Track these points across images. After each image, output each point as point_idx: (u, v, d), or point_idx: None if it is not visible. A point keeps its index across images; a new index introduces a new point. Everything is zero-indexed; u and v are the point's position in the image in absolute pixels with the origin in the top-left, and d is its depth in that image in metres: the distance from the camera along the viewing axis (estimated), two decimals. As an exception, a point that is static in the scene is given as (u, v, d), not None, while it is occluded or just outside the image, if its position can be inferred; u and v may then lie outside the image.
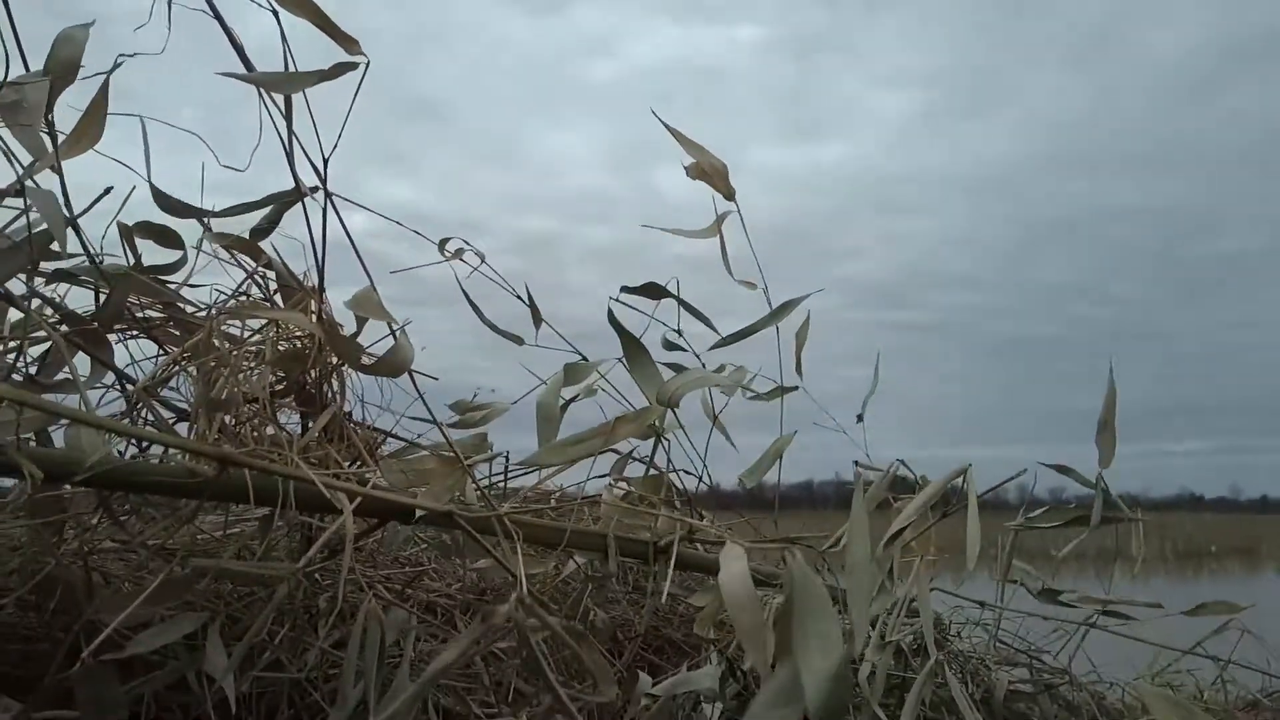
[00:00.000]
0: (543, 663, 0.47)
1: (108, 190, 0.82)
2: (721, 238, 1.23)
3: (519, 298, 1.02)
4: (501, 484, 0.95)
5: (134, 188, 0.90)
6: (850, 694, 0.41)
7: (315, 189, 0.83)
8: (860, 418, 1.34)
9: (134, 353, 0.93)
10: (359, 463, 0.82)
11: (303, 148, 0.83)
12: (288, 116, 0.81)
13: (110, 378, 0.88)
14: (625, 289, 1.00)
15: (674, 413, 1.08)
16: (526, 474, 0.97)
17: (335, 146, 0.81)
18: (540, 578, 1.04)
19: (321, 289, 0.82)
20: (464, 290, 1.00)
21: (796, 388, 1.30)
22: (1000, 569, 1.33)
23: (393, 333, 0.78)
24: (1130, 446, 1.22)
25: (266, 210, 0.88)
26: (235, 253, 0.87)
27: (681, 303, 1.02)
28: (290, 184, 0.82)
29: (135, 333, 0.94)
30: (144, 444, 0.73)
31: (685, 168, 1.11)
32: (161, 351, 0.92)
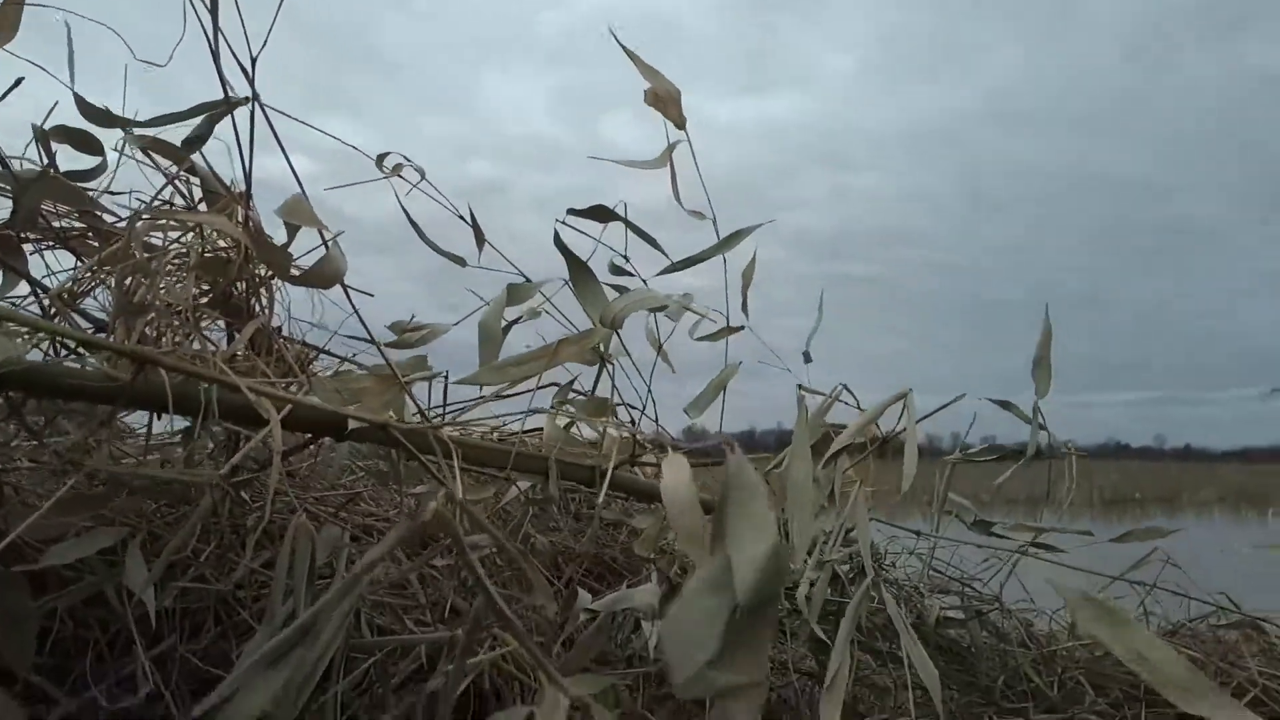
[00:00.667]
0: (477, 567, 0.45)
1: (19, 81, 0.76)
2: (672, 167, 1.21)
3: (461, 217, 0.99)
4: (441, 408, 0.92)
5: (56, 103, 0.85)
6: (782, 582, 0.41)
7: (246, 99, 0.78)
8: (806, 356, 1.34)
9: (51, 264, 0.89)
10: (290, 378, 0.79)
11: (232, 51, 0.78)
12: (213, 10, 0.76)
13: (24, 288, 0.84)
14: (572, 211, 0.98)
15: (620, 340, 1.06)
16: (467, 407, 0.95)
17: (264, 44, 0.77)
18: (482, 503, 1.03)
19: (249, 196, 0.78)
20: (403, 207, 0.97)
21: (743, 328, 1.29)
22: (937, 501, 1.35)
23: (325, 243, 0.75)
24: (1064, 398, 1.25)
25: (197, 121, 0.84)
26: (157, 157, 0.83)
27: (629, 225, 0.99)
28: (219, 93, 0.78)
29: (52, 243, 0.89)
30: (58, 348, 0.69)
31: (644, 93, 1.09)
32: (79, 263, 0.87)
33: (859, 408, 0.96)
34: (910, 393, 0.92)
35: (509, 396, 1.04)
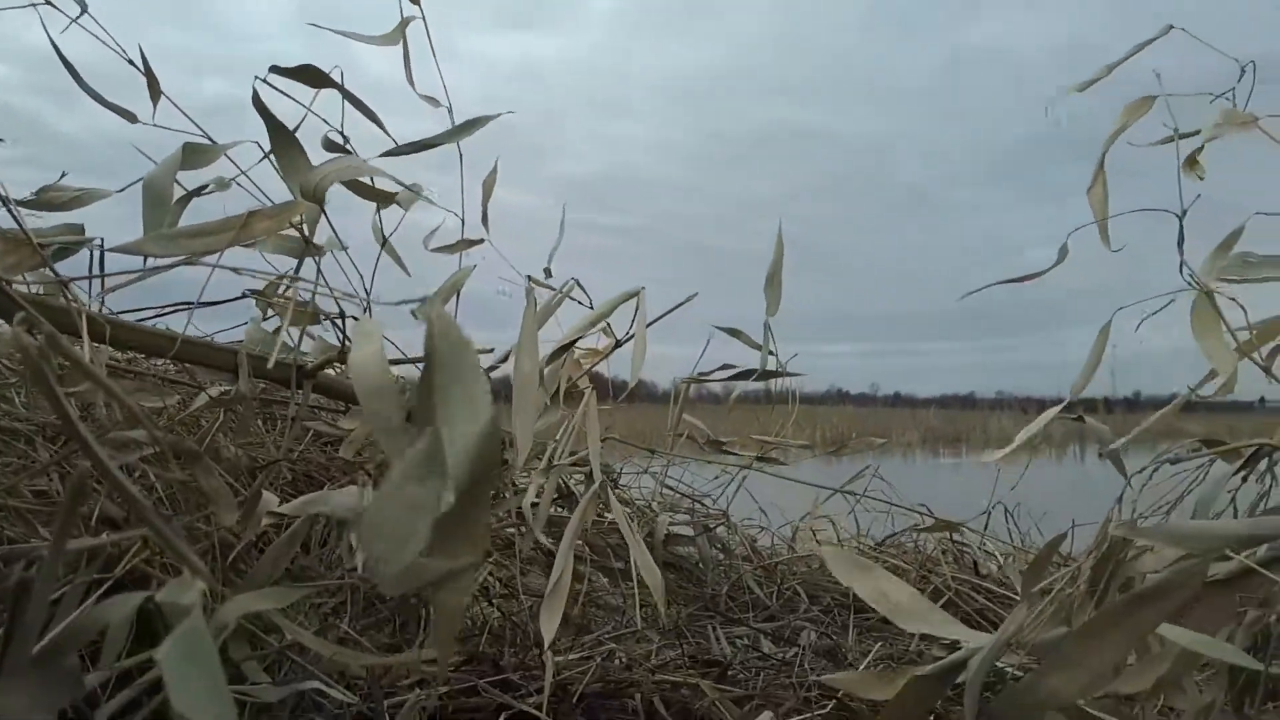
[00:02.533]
0: (63, 400, 0.35)
1: None
2: (405, 47, 1.09)
3: (131, 62, 0.82)
4: (100, 289, 0.77)
5: None
6: (499, 458, 0.34)
7: None
8: (547, 272, 1.28)
9: None
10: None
11: None
12: None
13: None
14: (275, 70, 0.84)
15: (336, 235, 0.94)
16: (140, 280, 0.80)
17: None
18: (164, 412, 0.88)
19: None
20: (55, 45, 0.79)
21: (482, 240, 1.21)
22: (671, 420, 1.35)
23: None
24: (793, 347, 1.29)
25: None
26: None
27: (346, 95, 0.87)
28: None
29: None
30: None
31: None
32: None
33: (591, 304, 0.91)
34: (642, 291, 0.88)
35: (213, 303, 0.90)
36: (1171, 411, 0.78)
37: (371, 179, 0.84)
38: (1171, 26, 0.83)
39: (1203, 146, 0.84)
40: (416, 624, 0.92)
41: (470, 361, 0.38)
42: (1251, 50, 0.80)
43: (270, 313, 0.93)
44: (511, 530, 1.25)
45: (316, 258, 0.83)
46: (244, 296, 0.84)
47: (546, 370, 0.84)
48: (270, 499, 0.64)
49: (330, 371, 0.89)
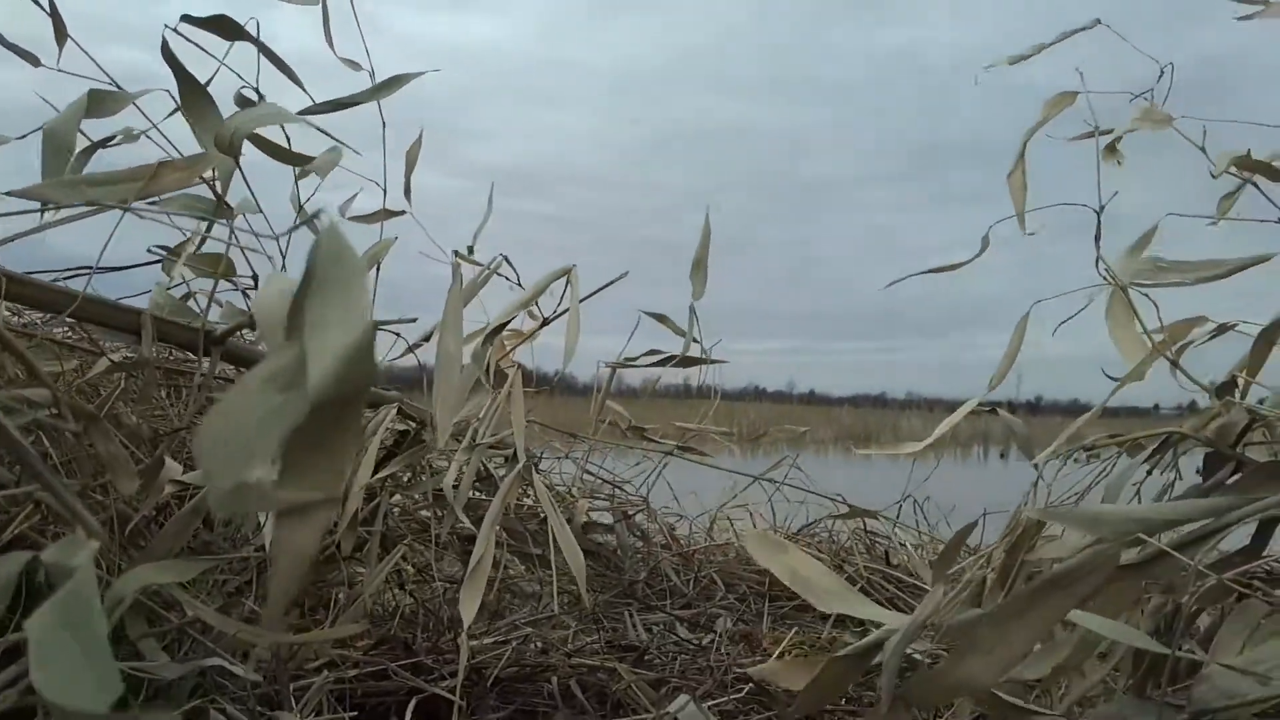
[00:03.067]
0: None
1: None
2: (325, 8, 1.05)
3: (36, 3, 0.77)
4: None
5: None
6: (370, 379, 0.31)
7: None
8: (470, 249, 1.25)
9: None
10: None
11: None
12: None
13: None
14: (186, 19, 0.80)
15: (254, 197, 0.90)
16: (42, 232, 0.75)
17: None
18: (61, 377, 0.83)
19: None
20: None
21: (404, 212, 1.17)
22: (595, 405, 1.33)
23: None
24: (710, 342, 1.30)
25: None
26: None
27: (262, 48, 0.83)
28: None
29: None
30: None
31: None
32: None
33: (519, 281, 0.89)
34: (574, 269, 0.86)
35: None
36: (1093, 415, 0.80)
37: (288, 140, 0.80)
38: (1099, 20, 0.86)
39: (1121, 136, 0.87)
40: (325, 607, 0.89)
41: (352, 270, 0.35)
42: (1171, 55, 0.83)
43: (177, 277, 0.88)
44: (427, 514, 1.22)
45: (229, 220, 0.79)
46: (150, 256, 0.80)
47: (477, 349, 0.82)
48: (174, 467, 0.61)
49: (241, 339, 0.85)
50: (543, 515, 1.29)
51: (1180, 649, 0.56)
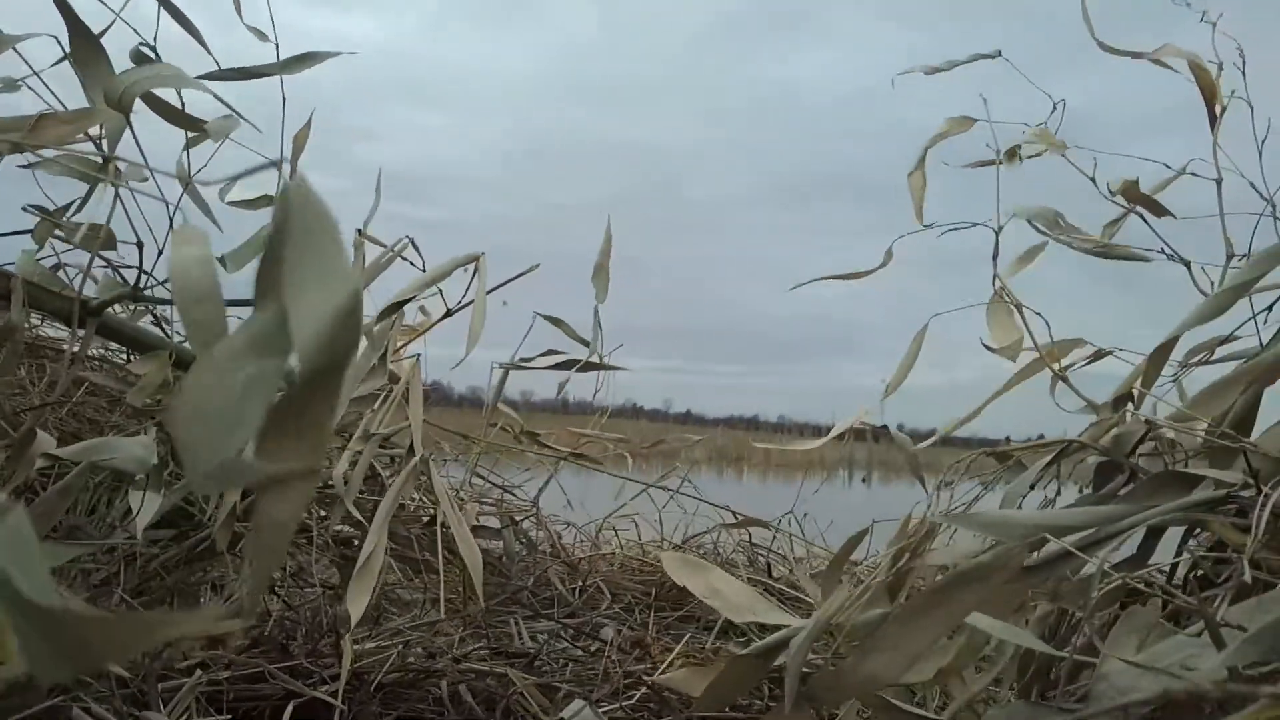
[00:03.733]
0: None
1: None
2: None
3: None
4: None
5: None
6: (355, 344, 0.29)
7: None
8: (360, 231, 1.21)
9: None
10: None
11: None
12: None
13: None
14: (79, -36, 0.74)
15: (146, 163, 0.84)
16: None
17: None
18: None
19: None
20: None
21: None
22: (487, 408, 1.31)
23: None
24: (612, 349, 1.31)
25: None
26: None
27: (164, 3, 0.78)
28: None
29: None
30: None
31: None
32: None
33: (424, 263, 0.86)
34: (482, 256, 0.84)
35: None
36: (971, 416, 0.84)
37: (182, 104, 0.75)
38: (1000, 52, 0.90)
39: (1020, 145, 0.91)
40: (197, 603, 0.83)
41: (331, 233, 0.33)
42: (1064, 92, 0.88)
43: (50, 244, 0.81)
44: (305, 516, 1.16)
45: (115, 182, 0.73)
46: (26, 217, 0.73)
47: (375, 329, 0.78)
48: (46, 439, 0.55)
49: (117, 313, 0.78)
50: (426, 519, 1.25)
51: (1072, 653, 0.58)
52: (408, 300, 0.82)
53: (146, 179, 0.81)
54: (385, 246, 0.86)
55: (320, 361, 0.29)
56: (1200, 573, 0.62)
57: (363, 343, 0.85)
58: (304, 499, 0.30)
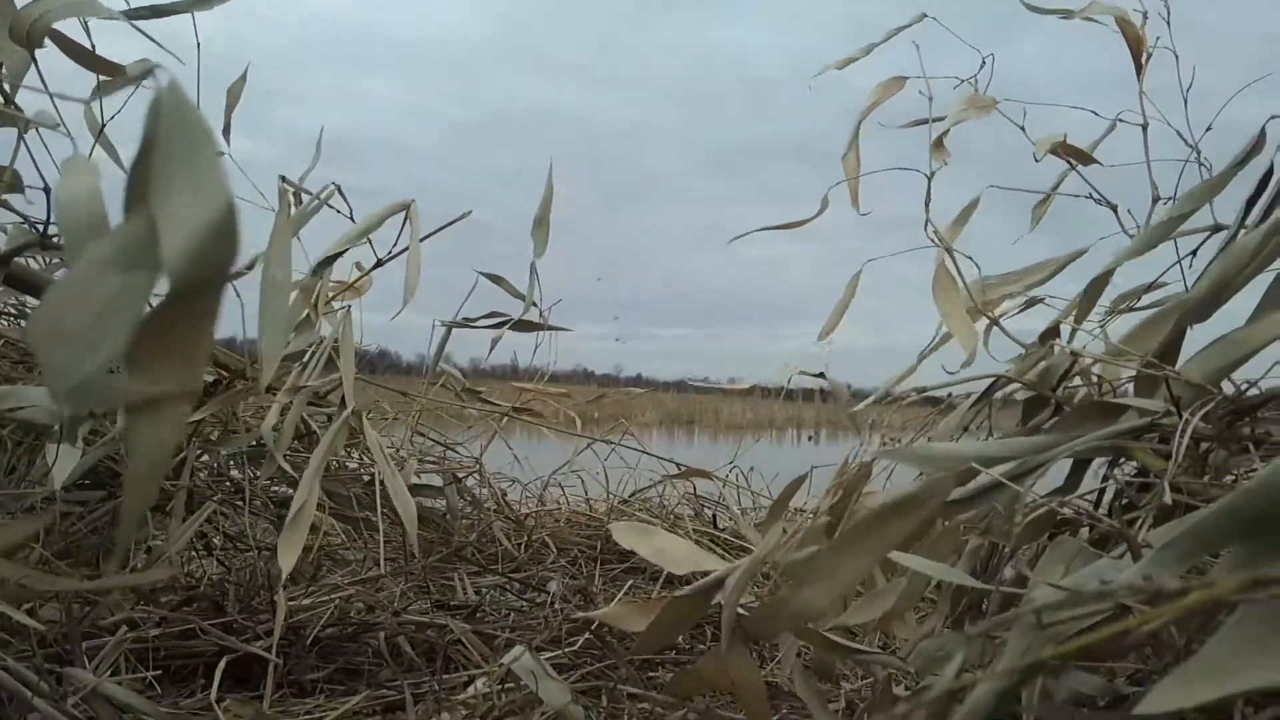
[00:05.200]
0: None
1: None
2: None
3: None
4: None
5: None
6: (231, 258, 0.28)
7: None
8: (297, 197, 1.18)
9: None
10: None
11: None
12: None
13: None
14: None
15: (56, 107, 0.80)
16: None
17: None
18: None
19: None
20: None
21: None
22: (430, 365, 1.29)
23: None
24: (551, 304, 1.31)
25: None
26: None
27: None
28: None
29: None
30: None
31: None
32: None
33: (351, 212, 0.84)
34: (413, 203, 0.82)
35: None
36: (908, 372, 0.85)
37: (91, 43, 0.72)
38: (925, 14, 0.90)
39: (948, 130, 0.92)
40: (124, 562, 0.81)
41: (200, 134, 0.31)
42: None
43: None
44: (239, 474, 1.13)
45: (21, 124, 0.70)
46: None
47: (306, 281, 0.76)
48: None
49: (26, 262, 0.75)
50: (366, 479, 1.24)
51: (998, 584, 0.60)
52: (340, 254, 0.80)
53: (58, 125, 0.77)
54: (312, 194, 0.84)
55: (192, 275, 0.28)
56: (1125, 501, 0.64)
57: (293, 294, 0.83)
58: (180, 421, 0.29)
